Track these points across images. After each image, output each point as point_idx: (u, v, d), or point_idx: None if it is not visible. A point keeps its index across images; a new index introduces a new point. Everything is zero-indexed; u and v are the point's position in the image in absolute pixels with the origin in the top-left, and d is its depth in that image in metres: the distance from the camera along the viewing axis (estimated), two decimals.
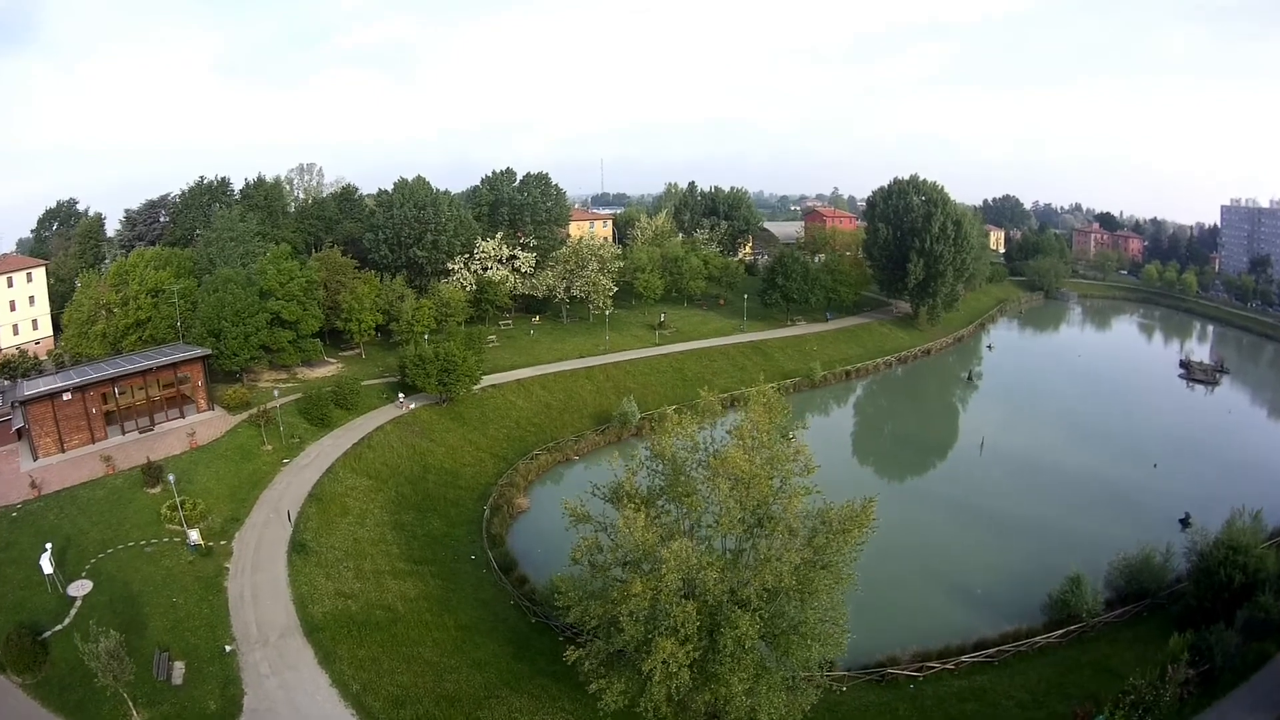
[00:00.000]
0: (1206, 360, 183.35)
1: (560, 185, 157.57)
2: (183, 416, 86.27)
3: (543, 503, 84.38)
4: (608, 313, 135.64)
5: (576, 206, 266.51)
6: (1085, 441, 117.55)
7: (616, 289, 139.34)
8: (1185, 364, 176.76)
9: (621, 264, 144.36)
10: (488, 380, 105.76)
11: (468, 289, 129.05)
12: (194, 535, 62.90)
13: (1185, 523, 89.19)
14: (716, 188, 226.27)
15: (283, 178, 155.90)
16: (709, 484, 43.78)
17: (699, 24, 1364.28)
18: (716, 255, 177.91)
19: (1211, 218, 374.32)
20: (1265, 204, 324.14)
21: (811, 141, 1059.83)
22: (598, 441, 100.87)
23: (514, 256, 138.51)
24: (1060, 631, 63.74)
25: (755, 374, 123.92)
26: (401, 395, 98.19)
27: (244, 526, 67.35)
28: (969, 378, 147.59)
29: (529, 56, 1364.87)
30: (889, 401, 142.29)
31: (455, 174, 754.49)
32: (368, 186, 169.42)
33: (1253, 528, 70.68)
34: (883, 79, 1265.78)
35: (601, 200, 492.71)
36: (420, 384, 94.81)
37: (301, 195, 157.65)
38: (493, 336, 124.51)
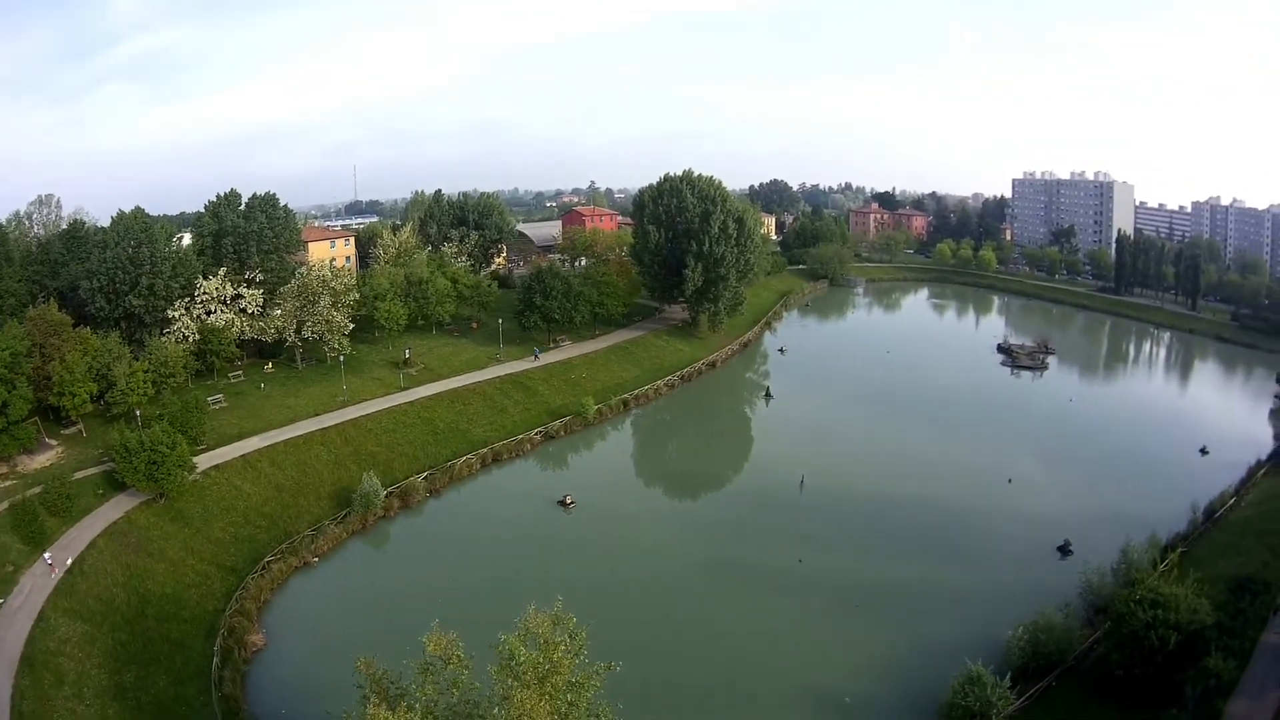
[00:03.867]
0: (1028, 343, 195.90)
1: (291, 206, 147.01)
2: None
3: (281, 634, 76.18)
4: (343, 355, 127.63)
5: (316, 223, 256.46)
6: (919, 462, 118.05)
7: (354, 324, 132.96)
8: (1006, 349, 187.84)
9: (357, 296, 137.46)
10: (211, 458, 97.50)
11: (190, 339, 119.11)
12: None
13: (1065, 551, 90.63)
14: (465, 194, 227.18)
15: (22, 213, 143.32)
16: None
17: (454, 17, 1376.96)
18: (466, 272, 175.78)
19: (990, 191, 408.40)
20: (1065, 175, 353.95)
21: (572, 136, 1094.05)
22: (339, 535, 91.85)
23: (239, 295, 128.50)
24: None
25: (516, 416, 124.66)
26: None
27: None
28: (766, 395, 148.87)
29: (288, 62, 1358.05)
30: (679, 438, 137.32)
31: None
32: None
33: (1162, 568, 72.77)
34: (647, 71, 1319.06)
35: (355, 209, 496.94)
36: (129, 479, 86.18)
37: (41, 233, 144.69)
38: (219, 395, 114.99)
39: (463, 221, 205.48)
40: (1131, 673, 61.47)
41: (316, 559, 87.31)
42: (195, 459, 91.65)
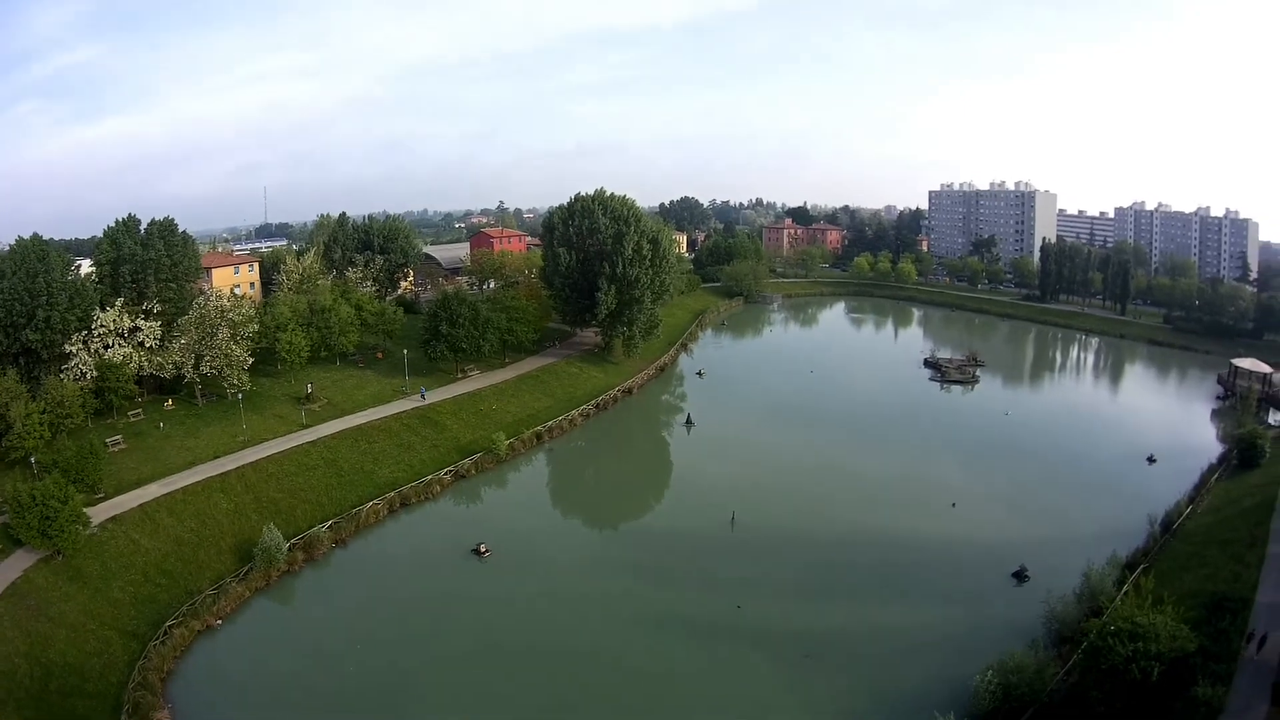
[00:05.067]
0: (956, 356, 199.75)
1: (197, 230, 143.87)
2: None
3: (187, 709, 71.45)
4: (242, 391, 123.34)
5: (225, 247, 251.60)
6: (856, 489, 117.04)
7: (254, 357, 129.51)
8: (934, 364, 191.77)
9: (257, 326, 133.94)
10: (110, 508, 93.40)
11: (88, 376, 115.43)
12: None
13: (1021, 577, 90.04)
14: (370, 217, 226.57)
15: None
16: None
17: (360, 36, 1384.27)
18: (371, 299, 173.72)
19: (904, 204, 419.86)
20: (984, 186, 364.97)
21: (479, 155, 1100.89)
22: (242, 594, 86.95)
23: (136, 328, 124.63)
24: None
25: (425, 454, 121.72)
26: None
27: None
28: (687, 422, 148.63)
29: (198, 81, 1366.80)
30: (598, 473, 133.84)
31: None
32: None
33: (1127, 588, 72.71)
34: (554, 88, 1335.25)
35: (265, 231, 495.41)
36: (24, 536, 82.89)
37: None
38: (118, 437, 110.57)
39: (368, 245, 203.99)
40: (1113, 706, 60.67)
41: (220, 621, 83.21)
42: (93, 509, 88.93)
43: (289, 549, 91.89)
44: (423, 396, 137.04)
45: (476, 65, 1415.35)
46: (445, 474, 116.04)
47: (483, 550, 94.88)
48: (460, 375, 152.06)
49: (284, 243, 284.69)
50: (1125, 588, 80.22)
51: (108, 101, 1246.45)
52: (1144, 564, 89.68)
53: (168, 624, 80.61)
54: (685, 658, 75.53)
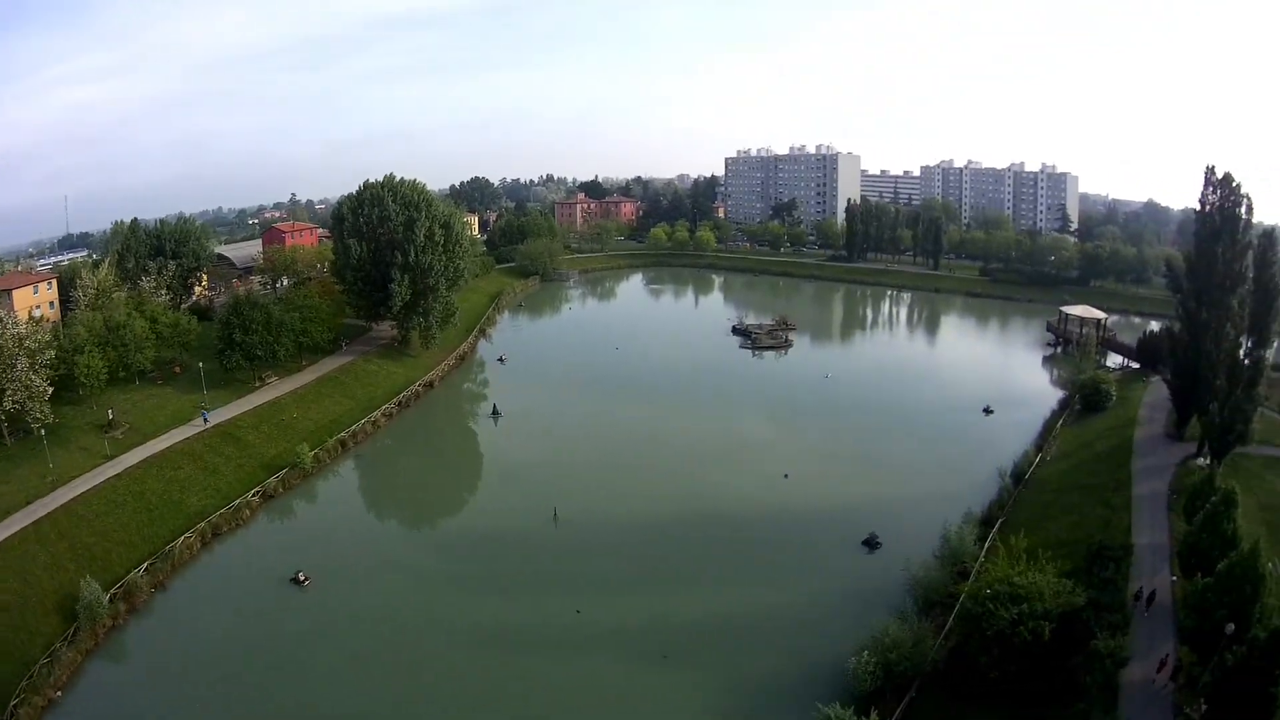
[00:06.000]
0: (766, 321, 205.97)
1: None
2: None
3: None
4: (45, 425, 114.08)
5: (23, 264, 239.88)
6: (680, 469, 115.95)
7: (53, 385, 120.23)
8: (743, 330, 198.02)
9: (54, 352, 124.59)
10: None
11: None
12: None
13: (872, 545, 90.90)
14: (162, 221, 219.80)
15: None
16: None
17: (149, 31, 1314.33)
18: (165, 309, 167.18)
19: (697, 172, 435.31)
20: (783, 151, 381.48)
21: (272, 148, 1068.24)
22: (74, 660, 78.34)
23: None
24: None
25: (230, 475, 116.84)
26: None
27: None
28: (494, 413, 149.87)
29: None
30: (408, 478, 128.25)
31: None
32: None
33: (1005, 553, 69.78)
34: (349, 75, 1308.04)
35: (67, 243, 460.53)
36: None
37: None
38: None
39: (160, 251, 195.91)
40: (1006, 670, 60.60)
41: (59, 693, 75.19)
42: None
43: (110, 600, 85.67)
44: (205, 420, 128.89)
45: (273, 56, 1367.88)
46: (253, 496, 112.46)
47: (302, 579, 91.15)
48: (259, 384, 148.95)
49: (84, 254, 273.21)
50: (987, 544, 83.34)
51: None
52: (1001, 518, 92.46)
53: (11, 704, 72.41)
54: (524, 672, 72.17)
